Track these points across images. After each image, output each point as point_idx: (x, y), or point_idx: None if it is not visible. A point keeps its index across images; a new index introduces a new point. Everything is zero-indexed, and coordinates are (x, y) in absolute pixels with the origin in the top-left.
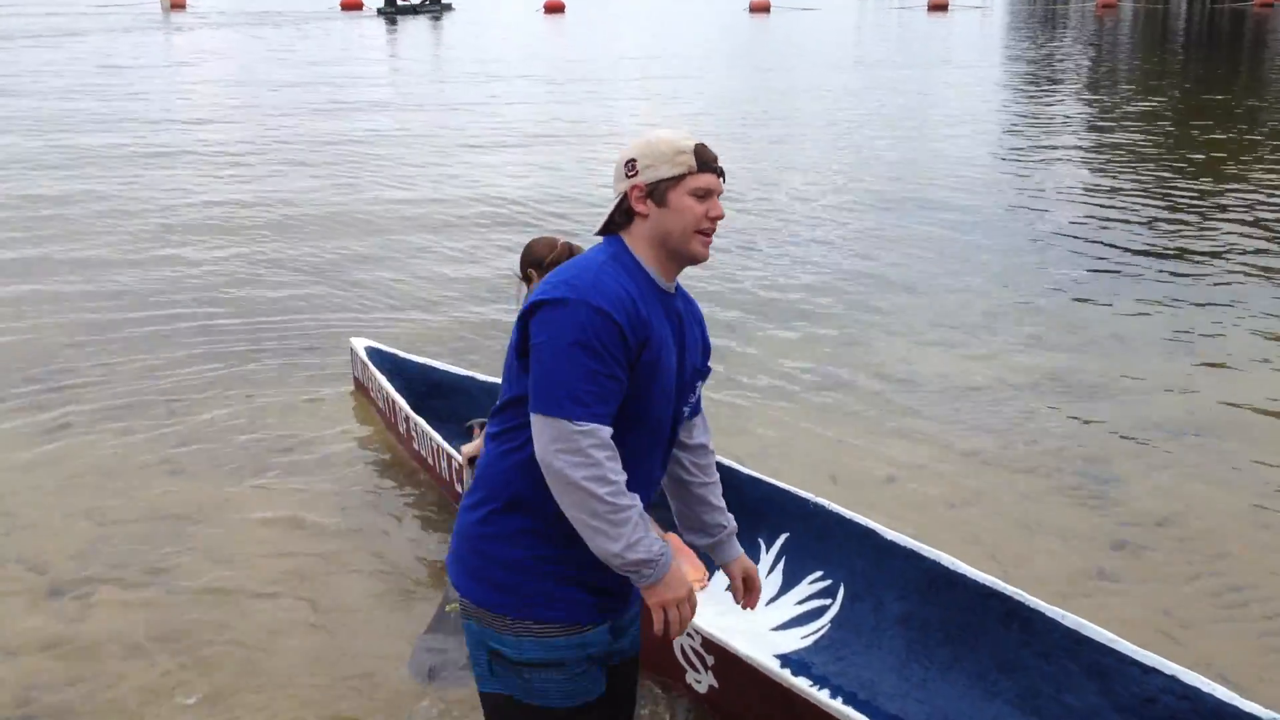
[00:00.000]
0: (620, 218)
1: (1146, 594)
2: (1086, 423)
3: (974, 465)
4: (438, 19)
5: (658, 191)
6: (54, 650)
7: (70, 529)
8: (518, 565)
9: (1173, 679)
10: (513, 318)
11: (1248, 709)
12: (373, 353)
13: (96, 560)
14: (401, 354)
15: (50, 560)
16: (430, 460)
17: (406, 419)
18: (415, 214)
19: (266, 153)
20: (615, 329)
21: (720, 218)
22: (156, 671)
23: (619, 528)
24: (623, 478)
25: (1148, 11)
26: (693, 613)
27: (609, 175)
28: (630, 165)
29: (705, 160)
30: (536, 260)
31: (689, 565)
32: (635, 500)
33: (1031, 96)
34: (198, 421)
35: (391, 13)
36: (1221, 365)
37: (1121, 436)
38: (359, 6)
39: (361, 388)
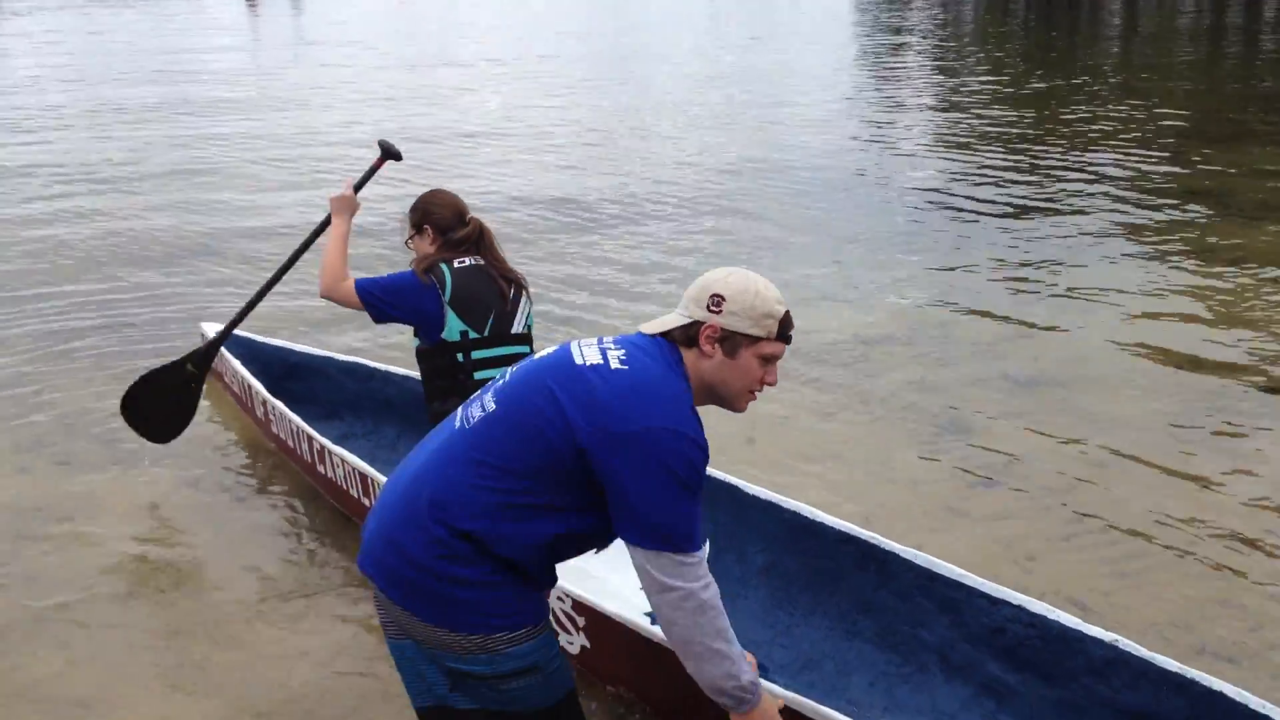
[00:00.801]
0: (679, 335)
1: (998, 530)
2: (938, 374)
3: (829, 418)
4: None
5: (730, 342)
6: None
7: None
8: (476, 583)
9: (1019, 608)
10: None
11: (1090, 632)
12: None
13: None
14: (257, 338)
15: None
16: (290, 443)
17: (264, 402)
18: (267, 201)
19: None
20: (705, 460)
21: (774, 385)
22: (42, 672)
23: (730, 647)
24: None
25: None
26: None
27: (458, 159)
28: (716, 300)
29: (785, 329)
30: (438, 222)
31: None
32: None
33: (880, 61)
34: (48, 415)
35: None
36: (1064, 316)
37: (971, 386)
38: None
39: (215, 374)
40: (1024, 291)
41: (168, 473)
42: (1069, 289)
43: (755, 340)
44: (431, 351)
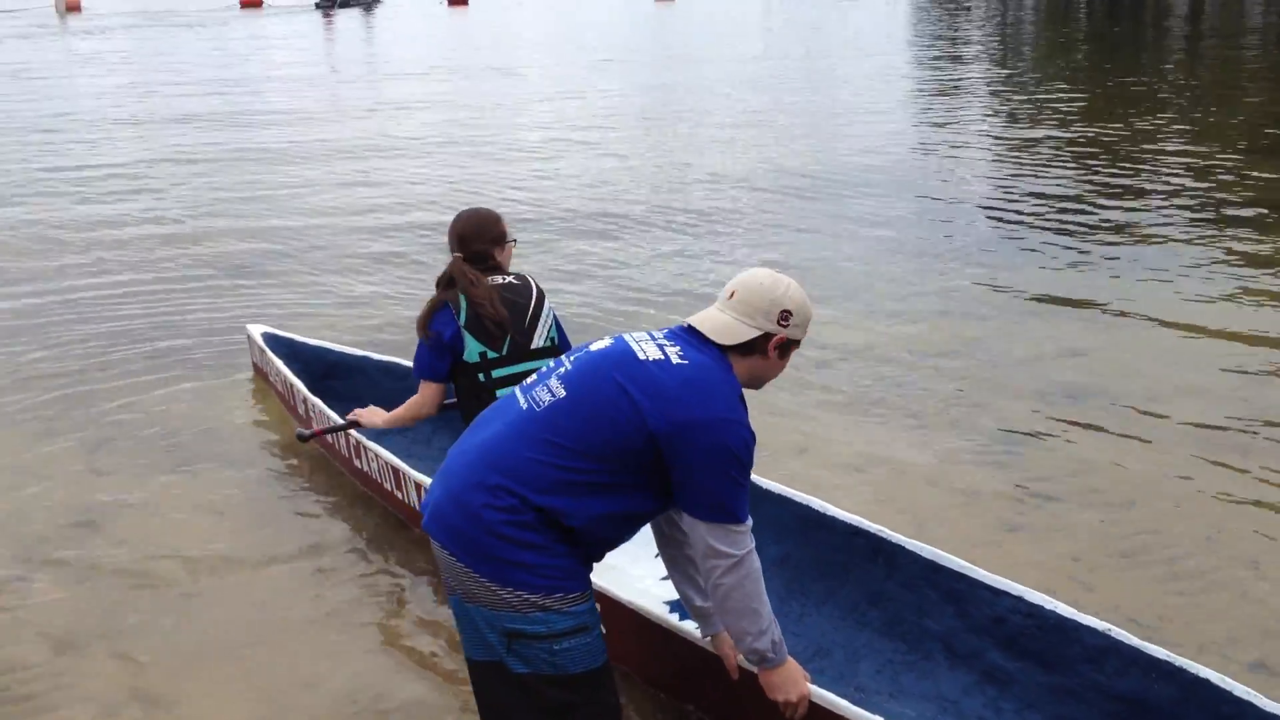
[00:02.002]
0: (742, 347)
1: (1055, 544)
2: (995, 387)
3: (884, 431)
4: (370, 10)
5: (785, 347)
6: None
7: None
8: (539, 547)
9: (1019, 599)
10: (412, 294)
11: (1085, 621)
12: (269, 338)
13: (23, 558)
14: (298, 338)
15: None
16: (329, 439)
17: (304, 400)
18: (317, 210)
19: (168, 153)
20: (754, 443)
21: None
22: (92, 670)
23: (764, 608)
24: None
25: None
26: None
27: (510, 179)
28: (785, 316)
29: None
30: (476, 252)
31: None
32: None
33: (939, 73)
34: (109, 418)
35: (327, 7)
36: (1123, 328)
37: (1026, 398)
38: (258, 4)
39: (260, 373)
40: (1082, 304)
41: (219, 472)
42: (1128, 301)
43: (797, 343)
44: (457, 373)
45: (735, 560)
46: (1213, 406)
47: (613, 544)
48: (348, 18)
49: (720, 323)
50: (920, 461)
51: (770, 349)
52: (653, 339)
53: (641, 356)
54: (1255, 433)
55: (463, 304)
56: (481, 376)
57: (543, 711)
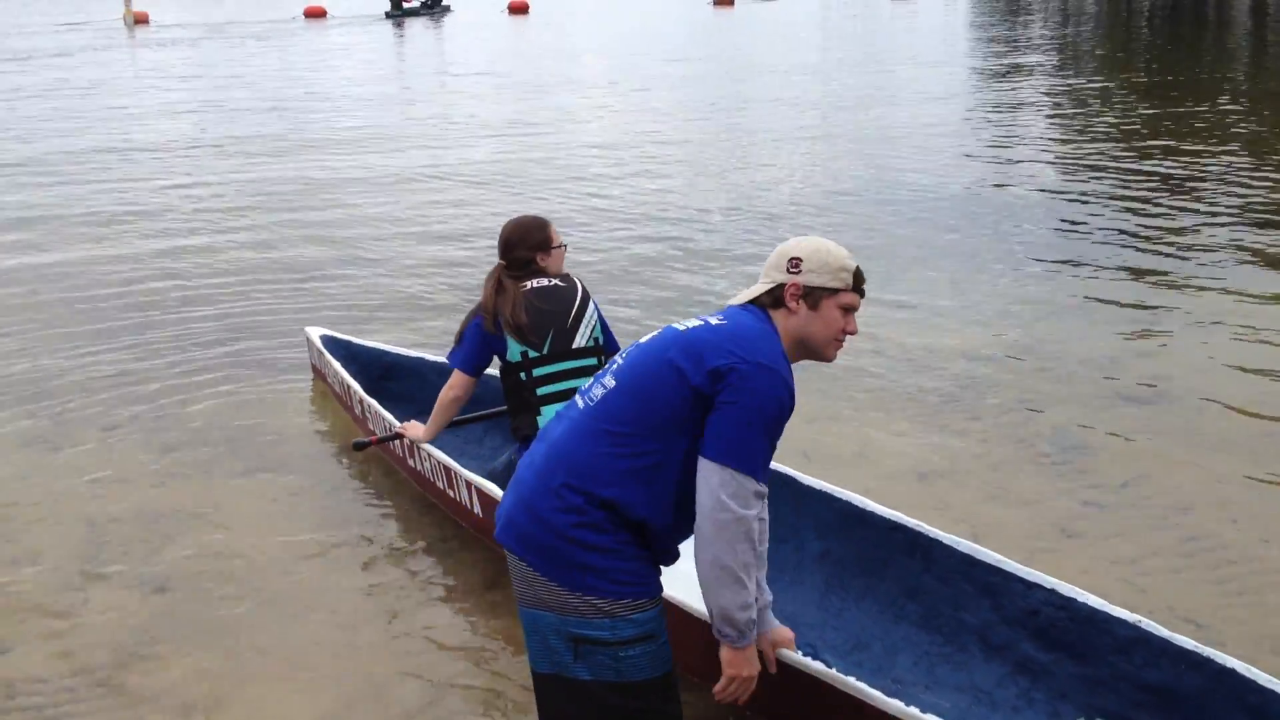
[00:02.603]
0: (767, 300)
1: (1111, 549)
2: (1052, 392)
3: (942, 436)
4: (438, 19)
5: (812, 296)
6: (61, 651)
7: (70, 534)
8: (608, 550)
9: (1052, 592)
10: (469, 297)
11: (1115, 613)
12: (327, 340)
13: (95, 562)
14: (355, 340)
15: (51, 564)
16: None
17: (360, 401)
18: (374, 217)
19: (233, 156)
20: (791, 406)
21: (855, 333)
22: (157, 677)
23: (750, 583)
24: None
25: None
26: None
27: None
28: (794, 263)
29: (859, 281)
30: (515, 257)
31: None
32: None
33: (999, 81)
34: (176, 421)
35: (398, 16)
36: (1181, 336)
37: (1085, 405)
38: (323, 14)
39: (319, 374)
40: (1141, 309)
41: (281, 477)
42: (1187, 310)
43: (835, 292)
44: (503, 373)
45: (735, 518)
46: (1272, 410)
47: (682, 534)
48: (420, 26)
49: (749, 290)
50: (977, 468)
51: (790, 299)
52: (697, 318)
53: (682, 329)
54: None
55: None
56: (523, 375)
57: (605, 718)
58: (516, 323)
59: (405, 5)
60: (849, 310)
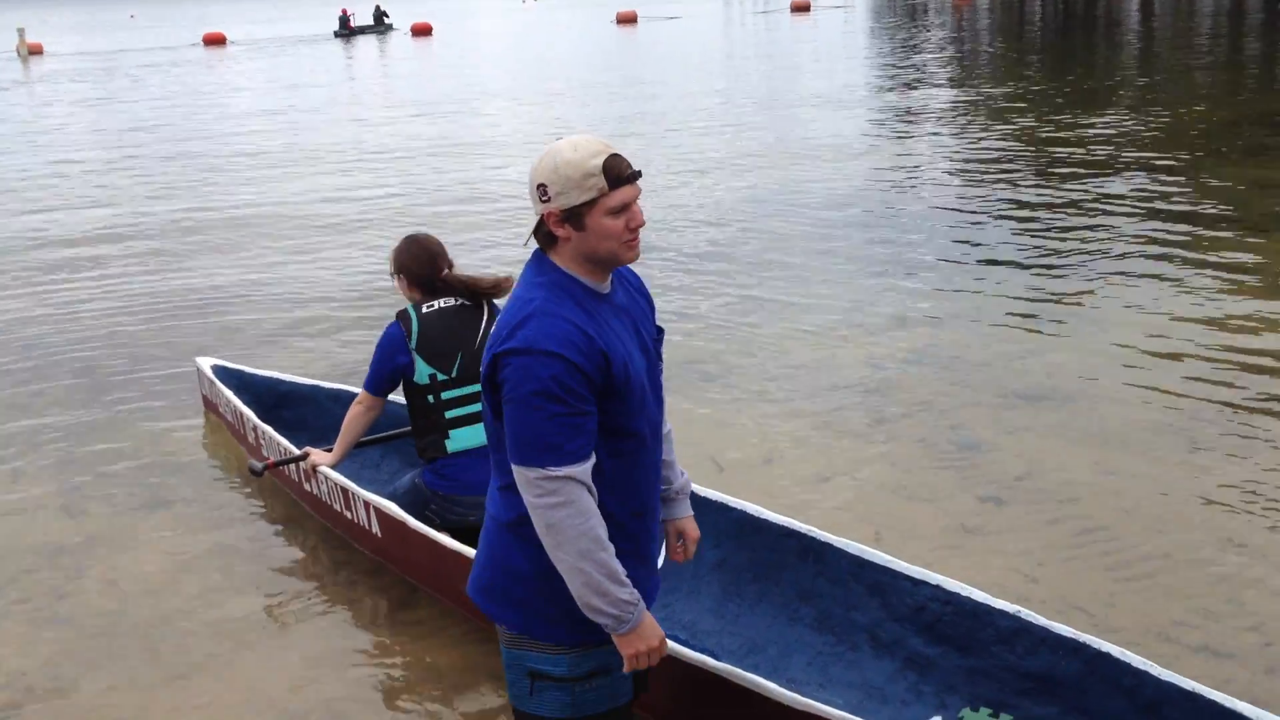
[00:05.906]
0: (543, 236)
1: (1008, 543)
2: (951, 394)
3: (847, 441)
4: (384, 36)
5: (574, 217)
6: None
7: None
8: (564, 594)
9: (937, 588)
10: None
11: (997, 605)
12: (219, 370)
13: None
14: (247, 369)
15: None
16: (282, 468)
17: (255, 429)
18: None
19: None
20: (571, 367)
21: (641, 225)
22: (64, 707)
23: (599, 567)
24: (603, 527)
25: (1004, 2)
26: (662, 653)
27: (475, 186)
28: (542, 190)
29: (617, 175)
30: (409, 272)
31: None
32: (610, 546)
33: (894, 91)
34: (68, 456)
35: (346, 35)
36: (1074, 334)
37: (982, 405)
38: (222, 42)
39: (210, 406)
40: (1033, 312)
41: (175, 507)
42: (1077, 311)
43: (593, 204)
44: (409, 394)
45: (545, 521)
46: (1166, 408)
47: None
48: (331, 48)
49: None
50: (881, 470)
51: (555, 228)
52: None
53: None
54: (1207, 438)
55: (414, 326)
56: (431, 398)
57: None
58: (424, 345)
59: (351, 26)
60: (623, 209)
